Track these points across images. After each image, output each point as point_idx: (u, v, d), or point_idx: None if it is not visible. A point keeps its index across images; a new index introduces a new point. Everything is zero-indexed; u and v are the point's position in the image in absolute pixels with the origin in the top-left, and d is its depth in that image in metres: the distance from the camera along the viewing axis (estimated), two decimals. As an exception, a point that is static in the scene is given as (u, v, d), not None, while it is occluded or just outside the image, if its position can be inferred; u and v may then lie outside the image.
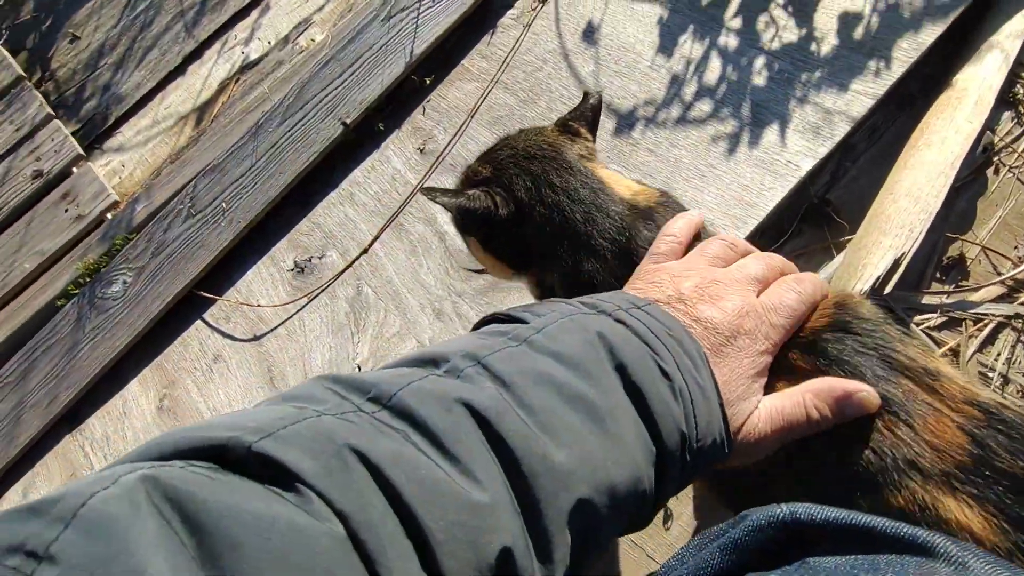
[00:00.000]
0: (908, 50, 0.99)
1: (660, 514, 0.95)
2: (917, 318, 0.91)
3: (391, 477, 0.27)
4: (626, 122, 1.09)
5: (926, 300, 0.91)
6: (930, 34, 0.99)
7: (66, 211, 1.25)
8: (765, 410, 0.44)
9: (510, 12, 1.26)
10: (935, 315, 0.90)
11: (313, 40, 1.33)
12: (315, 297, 1.15)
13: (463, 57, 1.25)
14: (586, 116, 0.75)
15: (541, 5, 1.24)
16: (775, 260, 0.52)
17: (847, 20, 1.04)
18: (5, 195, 1.28)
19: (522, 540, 0.30)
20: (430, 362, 0.35)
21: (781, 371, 0.47)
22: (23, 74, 1.38)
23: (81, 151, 1.30)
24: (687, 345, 0.41)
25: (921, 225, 0.87)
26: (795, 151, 0.97)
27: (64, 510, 0.22)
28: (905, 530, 0.29)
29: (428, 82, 1.24)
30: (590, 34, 1.18)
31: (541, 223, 0.64)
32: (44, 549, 0.22)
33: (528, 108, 1.16)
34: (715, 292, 0.47)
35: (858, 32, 1.02)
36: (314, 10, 1.36)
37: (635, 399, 0.37)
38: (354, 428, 0.29)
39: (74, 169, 1.30)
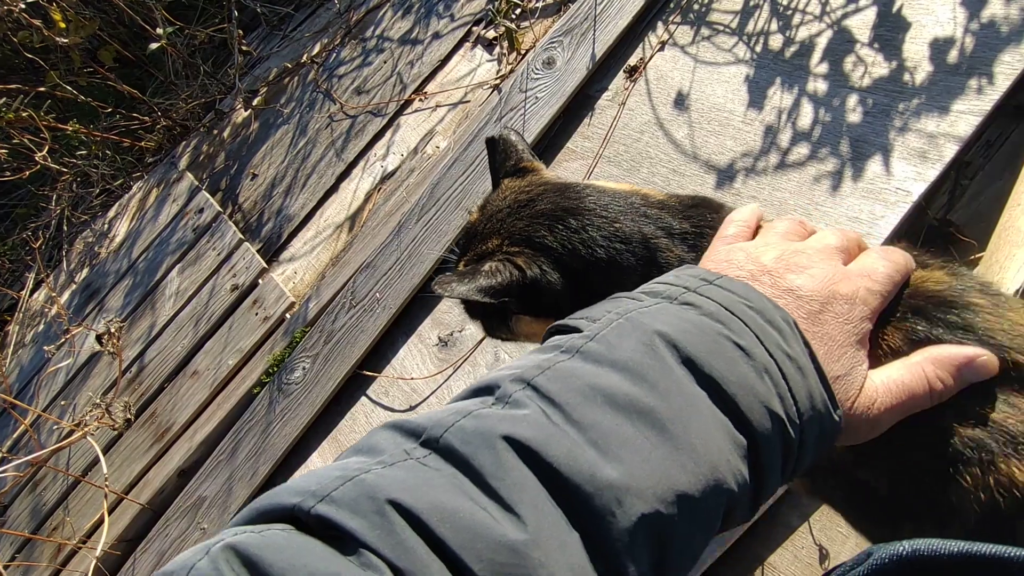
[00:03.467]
0: (1012, 63, 0.99)
1: (817, 554, 0.94)
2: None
3: (430, 524, 0.28)
4: (726, 175, 1.16)
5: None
6: (1032, 44, 0.98)
7: (256, 314, 1.52)
8: (883, 383, 0.41)
9: (605, 95, 1.41)
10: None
11: (438, 147, 1.56)
12: (459, 366, 1.29)
13: (567, 140, 1.40)
14: (518, 151, 0.72)
15: (632, 84, 1.37)
16: (851, 233, 0.50)
17: (939, 46, 1.06)
18: (212, 307, 1.59)
19: (583, 569, 0.29)
20: (485, 390, 0.35)
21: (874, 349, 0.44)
22: (220, 210, 1.73)
23: (264, 264, 1.60)
24: (771, 315, 0.38)
25: (1055, 233, 0.85)
26: (903, 178, 0.99)
27: None
28: None
29: (538, 167, 1.39)
30: (681, 102, 1.29)
31: (587, 253, 0.59)
32: None
33: (632, 175, 1.27)
34: (800, 261, 0.44)
35: (952, 55, 1.04)
36: (436, 122, 1.59)
37: (711, 391, 0.35)
38: (398, 479, 0.30)
39: (260, 280, 1.59)
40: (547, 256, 0.60)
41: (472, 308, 0.70)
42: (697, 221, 0.58)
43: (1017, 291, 0.85)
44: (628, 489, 0.30)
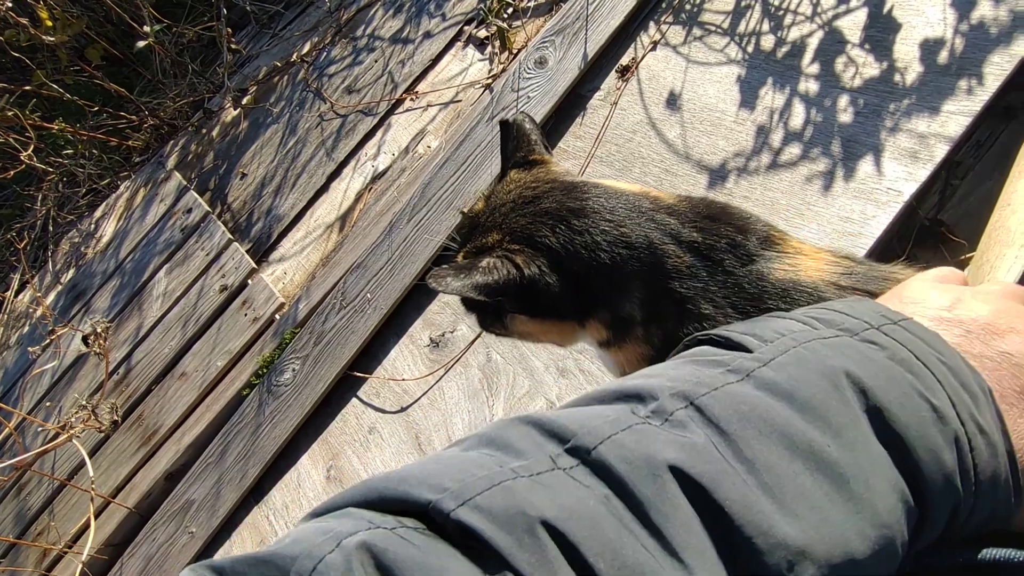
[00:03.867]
0: (1001, 64, 0.99)
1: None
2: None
3: (588, 558, 0.25)
4: (718, 175, 1.16)
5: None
6: None
7: (245, 315, 1.51)
8: None
9: (597, 94, 1.40)
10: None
11: (429, 147, 1.55)
12: (451, 367, 1.28)
13: (559, 140, 1.40)
14: (530, 141, 0.69)
15: (625, 84, 1.37)
16: None
17: (929, 47, 1.07)
18: (201, 308, 1.57)
19: None
20: (635, 397, 0.32)
21: None
22: (209, 210, 1.71)
23: (254, 265, 1.58)
24: (965, 377, 0.33)
25: (1045, 232, 0.85)
26: (894, 178, 0.99)
27: (301, 569, 0.24)
28: None
29: (530, 166, 1.39)
30: (672, 101, 1.29)
31: (589, 256, 0.56)
32: None
33: (624, 175, 1.27)
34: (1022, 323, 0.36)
35: (942, 56, 1.04)
36: (427, 122, 1.58)
37: (894, 449, 0.30)
38: (551, 495, 0.27)
39: (249, 280, 1.57)
40: (547, 256, 0.58)
41: (468, 301, 0.69)
42: (709, 234, 0.56)
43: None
44: (804, 552, 0.27)
